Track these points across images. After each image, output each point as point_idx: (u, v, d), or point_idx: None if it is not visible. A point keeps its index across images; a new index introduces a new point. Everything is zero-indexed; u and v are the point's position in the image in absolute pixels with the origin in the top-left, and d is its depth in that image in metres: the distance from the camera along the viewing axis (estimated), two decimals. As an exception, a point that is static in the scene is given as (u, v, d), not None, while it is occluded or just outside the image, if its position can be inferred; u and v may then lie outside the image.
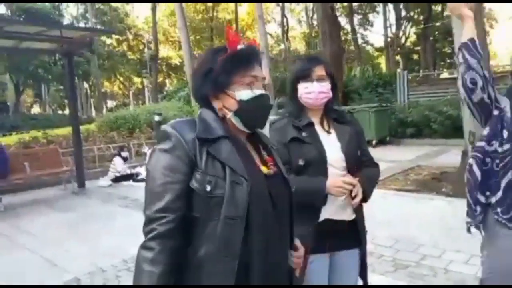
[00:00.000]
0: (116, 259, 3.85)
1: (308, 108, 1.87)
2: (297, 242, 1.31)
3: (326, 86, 1.80)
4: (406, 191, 6.07)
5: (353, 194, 1.71)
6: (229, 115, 1.20)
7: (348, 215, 1.83)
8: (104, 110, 28.84)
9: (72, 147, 8.43)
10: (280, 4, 31.74)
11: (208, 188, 1.08)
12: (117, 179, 7.95)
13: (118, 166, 8.11)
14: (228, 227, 1.08)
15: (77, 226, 5.18)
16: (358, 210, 1.87)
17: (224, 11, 34.67)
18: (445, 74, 21.81)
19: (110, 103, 38.37)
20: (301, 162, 1.77)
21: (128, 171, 8.26)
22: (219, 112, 1.21)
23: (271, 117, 1.79)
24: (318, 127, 1.85)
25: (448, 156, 8.84)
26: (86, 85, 31.12)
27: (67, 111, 28.74)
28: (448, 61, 31.19)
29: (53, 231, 5.01)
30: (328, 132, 1.85)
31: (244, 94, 1.18)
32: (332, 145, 1.81)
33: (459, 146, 8.83)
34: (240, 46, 1.20)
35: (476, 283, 2.89)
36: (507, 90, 1.85)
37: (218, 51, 1.22)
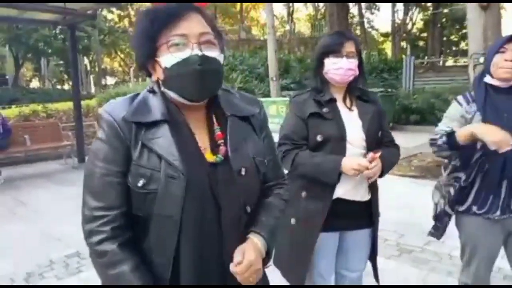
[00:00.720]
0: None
1: (332, 84, 1.80)
2: (237, 256, 0.99)
3: (354, 63, 1.74)
4: (410, 177, 6.06)
5: (371, 171, 1.66)
6: (162, 87, 1.04)
7: (361, 196, 1.81)
8: (104, 86, 28.64)
9: (73, 122, 8.35)
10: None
11: (140, 182, 0.95)
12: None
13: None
14: (161, 226, 0.97)
15: (78, 201, 5.12)
16: (374, 191, 1.84)
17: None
18: (450, 62, 21.61)
19: (110, 80, 38.05)
20: (319, 138, 1.72)
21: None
22: (157, 83, 1.05)
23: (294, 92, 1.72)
24: (340, 104, 1.79)
25: (452, 144, 8.81)
26: (86, 60, 30.75)
27: (66, 86, 28.58)
28: (454, 49, 30.86)
29: (54, 205, 4.98)
30: (350, 110, 1.79)
31: (166, 60, 0.99)
32: (353, 123, 1.75)
33: (463, 134, 8.81)
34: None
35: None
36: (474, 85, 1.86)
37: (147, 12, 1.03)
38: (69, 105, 9.92)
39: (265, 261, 1.07)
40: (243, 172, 1.03)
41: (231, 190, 1.02)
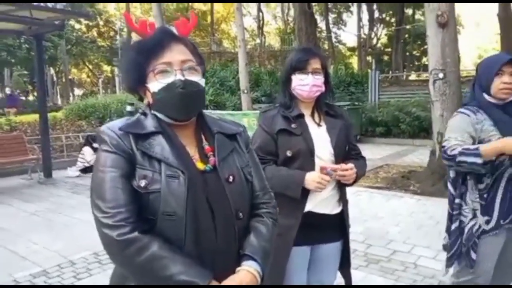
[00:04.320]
0: (86, 251, 3.74)
1: (299, 100, 1.86)
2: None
3: (320, 79, 1.80)
4: (376, 188, 6.24)
5: (347, 178, 1.74)
6: (152, 110, 1.16)
7: (331, 209, 1.86)
8: (71, 98, 27.83)
9: (38, 135, 8.10)
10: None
11: (143, 183, 1.04)
12: (86, 170, 7.70)
13: (87, 156, 7.85)
14: (167, 224, 1.04)
15: (44, 217, 4.99)
16: (344, 204, 1.90)
17: (200, 2, 34.12)
18: (413, 76, 22.54)
19: (77, 91, 37.04)
20: (289, 154, 1.78)
21: (98, 162, 8.01)
22: (148, 107, 1.18)
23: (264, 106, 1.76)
24: (308, 119, 1.86)
25: (415, 155, 9.16)
26: (52, 71, 29.84)
27: (31, 97, 27.52)
28: (416, 63, 32.25)
29: (19, 222, 4.80)
30: (319, 125, 1.86)
31: (153, 86, 1.12)
32: (321, 138, 1.82)
33: (424, 146, 9.20)
34: (149, 33, 1.16)
35: (444, 278, 3.02)
36: (471, 99, 2.00)
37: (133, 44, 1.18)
38: (34, 117, 9.62)
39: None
40: (231, 179, 1.14)
41: (221, 196, 1.12)
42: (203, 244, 1.07)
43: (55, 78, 30.46)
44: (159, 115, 1.15)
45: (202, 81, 1.16)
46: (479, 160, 1.75)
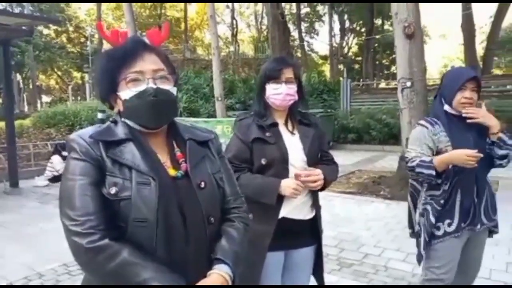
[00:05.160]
0: (55, 263, 3.64)
1: (274, 108, 1.91)
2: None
3: (293, 88, 1.85)
4: (348, 193, 6.39)
5: (315, 184, 1.79)
6: (123, 118, 1.17)
7: (304, 214, 1.91)
8: (39, 105, 26.95)
9: (4, 143, 7.80)
10: (230, 5, 31.85)
11: (113, 190, 1.04)
12: (55, 179, 7.45)
13: (56, 165, 7.58)
14: (138, 230, 1.04)
15: (12, 228, 4.82)
16: (317, 209, 1.95)
17: (173, 9, 34.02)
18: (383, 84, 23.21)
19: (45, 98, 35.93)
20: (263, 162, 1.82)
21: (68, 170, 7.80)
22: (119, 114, 1.18)
23: (239, 113, 1.79)
24: (282, 128, 1.90)
25: (385, 161, 9.44)
26: (19, 77, 28.84)
27: (-4, 104, 26.45)
28: (386, 72, 33.23)
29: (-17, 234, 4.61)
30: (292, 133, 1.91)
31: (125, 93, 1.13)
32: (294, 146, 1.87)
33: (394, 152, 9.49)
34: (120, 42, 1.17)
35: (413, 279, 3.13)
36: (433, 110, 2.14)
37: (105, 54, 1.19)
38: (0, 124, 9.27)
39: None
40: (202, 185, 1.15)
41: (193, 201, 1.13)
42: (174, 249, 1.08)
43: (21, 85, 29.43)
44: (129, 122, 1.16)
45: (174, 90, 1.18)
46: (433, 172, 1.91)
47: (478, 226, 2.07)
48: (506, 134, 1.99)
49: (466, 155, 1.84)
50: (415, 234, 2.20)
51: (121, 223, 1.04)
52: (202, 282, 1.08)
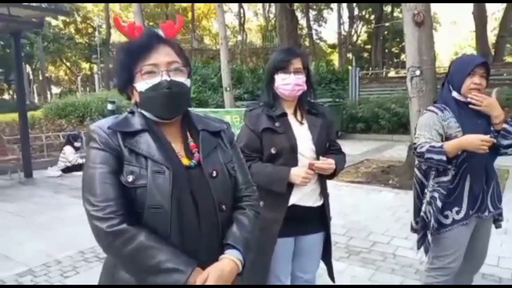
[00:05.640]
0: (71, 250, 3.76)
1: (282, 98, 1.95)
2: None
3: (302, 78, 1.89)
4: (357, 182, 6.42)
5: (325, 163, 1.84)
6: (139, 109, 1.22)
7: (314, 202, 1.97)
8: (49, 96, 27.22)
9: (17, 135, 7.95)
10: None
11: (130, 178, 1.10)
12: (67, 169, 7.62)
13: (69, 155, 7.77)
14: (153, 217, 1.10)
15: (28, 217, 4.95)
16: (326, 197, 2.01)
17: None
18: (392, 73, 22.96)
19: (55, 89, 36.25)
20: (273, 151, 1.88)
21: (80, 161, 7.93)
22: (135, 105, 1.24)
23: (249, 103, 1.83)
24: (291, 118, 1.95)
25: (394, 151, 9.41)
26: (28, 68, 29.10)
27: (6, 96, 26.79)
28: (395, 60, 32.82)
29: (1, 223, 4.75)
30: (301, 123, 1.95)
31: (140, 85, 1.18)
32: (303, 136, 1.91)
33: (403, 141, 9.46)
34: (136, 35, 1.21)
35: (421, 266, 3.18)
36: (441, 97, 2.14)
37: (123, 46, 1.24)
38: (12, 116, 9.42)
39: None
40: (214, 174, 1.20)
41: (205, 189, 1.18)
42: (187, 235, 1.14)
43: (31, 76, 29.71)
44: (146, 113, 1.21)
45: (187, 82, 1.22)
46: (444, 157, 1.89)
47: (486, 213, 2.09)
48: (510, 124, 1.98)
49: (481, 140, 1.83)
50: (415, 230, 2.21)
51: (138, 209, 1.11)
52: (214, 266, 1.14)
